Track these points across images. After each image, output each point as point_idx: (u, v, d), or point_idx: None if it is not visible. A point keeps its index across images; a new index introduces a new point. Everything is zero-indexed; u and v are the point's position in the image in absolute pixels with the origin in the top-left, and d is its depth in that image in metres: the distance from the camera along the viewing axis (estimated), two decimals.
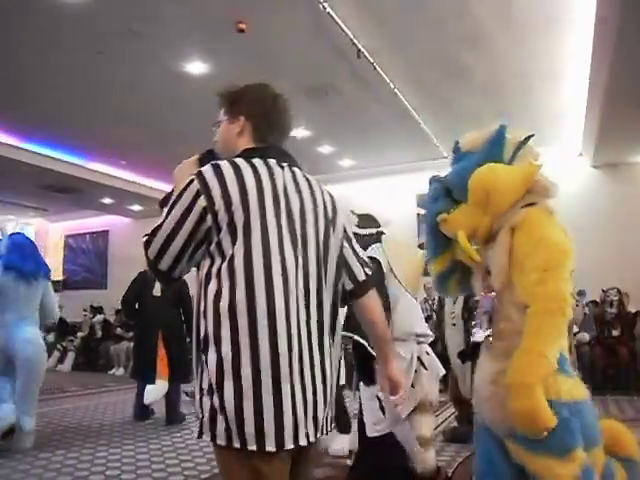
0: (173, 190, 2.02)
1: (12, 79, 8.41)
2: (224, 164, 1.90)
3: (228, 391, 1.73)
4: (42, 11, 6.56)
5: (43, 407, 8.04)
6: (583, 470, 2.09)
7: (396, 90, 8.50)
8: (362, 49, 7.26)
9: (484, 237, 2.39)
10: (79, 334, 14.18)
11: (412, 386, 3.78)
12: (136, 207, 15.85)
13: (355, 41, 7.09)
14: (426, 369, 3.88)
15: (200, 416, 1.81)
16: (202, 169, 1.90)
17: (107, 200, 15.21)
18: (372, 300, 2.15)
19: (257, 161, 1.94)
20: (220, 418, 1.74)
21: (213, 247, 1.84)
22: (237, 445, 1.72)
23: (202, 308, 1.83)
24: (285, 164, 2.01)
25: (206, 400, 1.78)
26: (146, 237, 1.95)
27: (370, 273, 2.15)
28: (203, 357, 1.81)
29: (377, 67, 7.74)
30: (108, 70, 8.03)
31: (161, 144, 11.01)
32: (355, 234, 3.85)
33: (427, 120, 9.91)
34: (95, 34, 7.11)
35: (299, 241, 1.89)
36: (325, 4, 6.40)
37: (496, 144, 2.42)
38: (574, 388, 2.21)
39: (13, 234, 5.95)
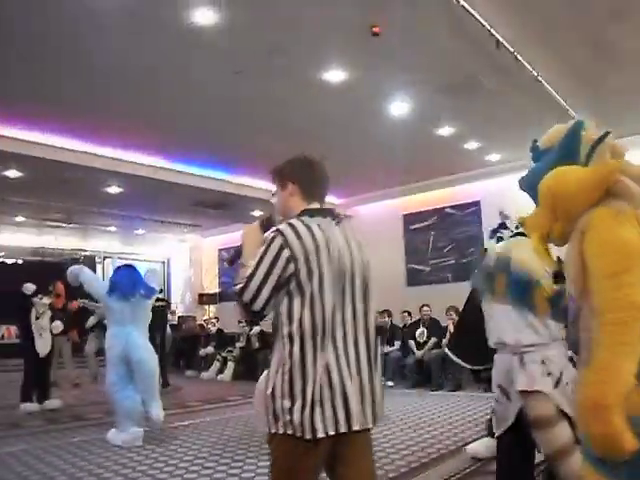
0: (241, 247, 2.78)
1: (155, 105, 8.87)
2: (297, 224, 2.51)
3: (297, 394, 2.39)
4: (178, 33, 6.80)
5: (206, 417, 8.34)
6: None
7: (540, 78, 8.14)
8: (501, 39, 7.00)
9: (560, 241, 2.24)
10: (237, 344, 14.58)
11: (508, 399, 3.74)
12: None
13: (493, 31, 6.85)
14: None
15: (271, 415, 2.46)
16: (281, 228, 2.50)
17: (257, 212, 15.59)
18: None
19: (319, 219, 2.59)
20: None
21: (293, 286, 2.44)
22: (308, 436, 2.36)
23: (286, 332, 2.46)
24: (336, 221, 2.67)
25: (278, 402, 2.42)
26: (240, 285, 2.47)
27: None
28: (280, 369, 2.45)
29: (518, 56, 7.46)
30: (248, 86, 8.21)
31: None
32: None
33: (576, 106, 9.43)
34: (233, 52, 7.29)
35: (347, 283, 2.55)
36: None
37: (570, 143, 2.29)
38: None
39: (119, 266, 7.55)
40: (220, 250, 19.71)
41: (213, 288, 19.90)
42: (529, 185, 2.35)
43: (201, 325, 17.41)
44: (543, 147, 2.47)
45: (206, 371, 14.48)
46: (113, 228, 18.29)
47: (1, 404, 8.87)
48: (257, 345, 14.24)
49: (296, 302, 2.45)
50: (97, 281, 7.63)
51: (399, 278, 11.49)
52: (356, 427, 2.42)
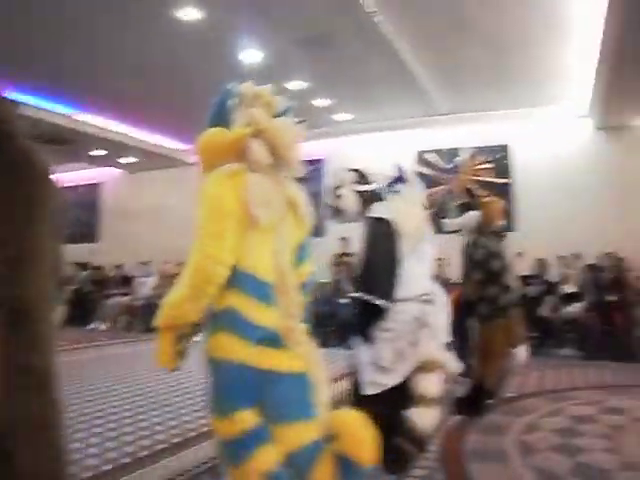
0: None
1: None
2: None
3: None
4: None
5: None
6: (246, 433, 2.22)
7: (395, 42, 8.18)
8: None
9: None
10: (70, 287, 13.96)
11: (414, 345, 3.71)
12: (129, 159, 15.53)
13: None
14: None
15: None
16: None
17: (98, 152, 14.89)
18: None
19: None
20: None
21: None
22: None
23: None
24: None
25: None
26: None
27: None
28: None
29: (377, 18, 7.42)
30: (101, 19, 7.71)
31: (157, 95, 10.72)
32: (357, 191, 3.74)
33: (426, 74, 9.60)
34: None
35: None
36: None
37: (218, 109, 2.65)
38: (267, 357, 2.29)
39: None
40: None
41: None
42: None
43: None
44: None
45: None
46: None
47: None
48: (88, 289, 13.77)
49: None
50: None
51: None
52: None
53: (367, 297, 3.62)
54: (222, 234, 2.22)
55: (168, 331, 2.24)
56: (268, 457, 2.22)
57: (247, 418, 2.23)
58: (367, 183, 3.97)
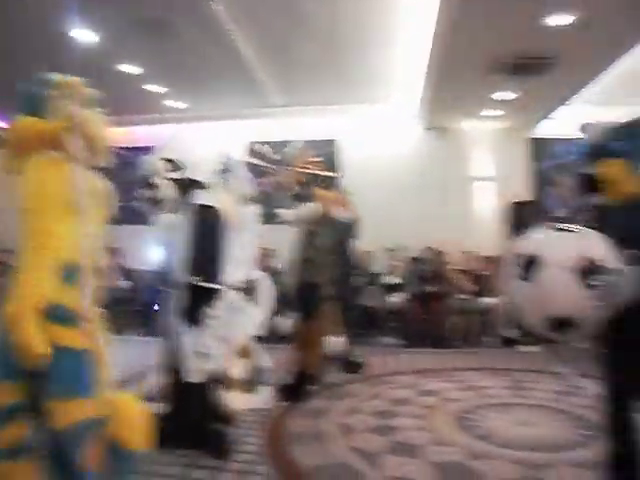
0: None
1: None
2: None
3: None
4: None
5: None
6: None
7: (232, 33, 8.17)
8: None
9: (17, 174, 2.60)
10: None
11: (231, 331, 3.80)
12: None
13: None
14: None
15: None
16: None
17: None
18: None
19: None
20: None
21: None
22: None
23: None
24: None
25: None
26: None
27: None
28: None
29: (214, 7, 7.39)
30: None
31: None
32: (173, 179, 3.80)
33: (261, 66, 9.65)
34: None
35: None
36: None
37: (32, 99, 2.67)
38: (53, 332, 2.31)
39: None
40: None
41: None
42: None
43: None
44: None
45: None
46: None
47: None
48: None
49: None
50: None
51: None
52: None
53: (201, 282, 3.66)
54: (60, 217, 2.38)
55: (33, 313, 2.22)
56: (18, 429, 2.32)
57: (6, 392, 2.31)
58: (180, 171, 4.02)
